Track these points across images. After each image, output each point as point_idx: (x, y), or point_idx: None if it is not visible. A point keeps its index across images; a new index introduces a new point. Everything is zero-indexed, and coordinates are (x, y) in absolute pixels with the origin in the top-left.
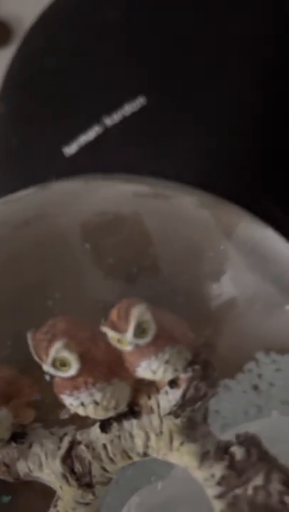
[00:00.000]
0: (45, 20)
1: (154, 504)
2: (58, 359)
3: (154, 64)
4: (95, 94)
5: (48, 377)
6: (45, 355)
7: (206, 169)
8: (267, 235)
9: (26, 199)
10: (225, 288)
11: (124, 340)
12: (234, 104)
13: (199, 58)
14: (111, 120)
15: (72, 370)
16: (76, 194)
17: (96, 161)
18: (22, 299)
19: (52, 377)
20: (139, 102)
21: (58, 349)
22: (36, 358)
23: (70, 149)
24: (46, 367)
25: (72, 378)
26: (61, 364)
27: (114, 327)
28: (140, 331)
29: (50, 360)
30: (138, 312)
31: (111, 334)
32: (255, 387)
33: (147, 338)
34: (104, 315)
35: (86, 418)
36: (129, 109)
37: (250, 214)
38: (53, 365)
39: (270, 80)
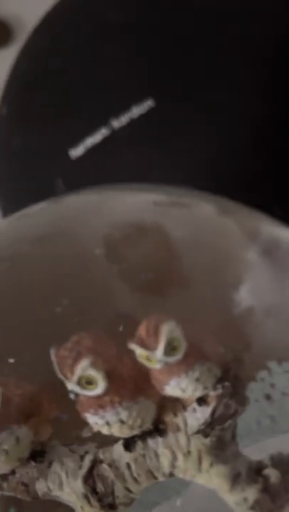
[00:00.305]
0: (49, 21)
1: None
2: (84, 377)
3: (162, 66)
4: (103, 96)
5: (72, 396)
6: (71, 373)
7: (215, 172)
8: None
9: (42, 214)
10: (246, 296)
11: (154, 358)
12: (243, 106)
13: (208, 61)
14: (118, 122)
15: (99, 388)
16: (93, 207)
17: (103, 164)
18: (39, 312)
19: (76, 395)
20: (147, 104)
21: (84, 367)
22: (60, 376)
23: (77, 151)
24: (71, 385)
25: (98, 397)
26: (87, 382)
27: (144, 344)
28: (170, 348)
29: (75, 378)
30: (168, 329)
31: (139, 352)
32: (268, 397)
33: (177, 356)
34: (129, 329)
35: (107, 436)
36: (137, 111)
37: (270, 217)
38: (79, 383)
39: (279, 82)
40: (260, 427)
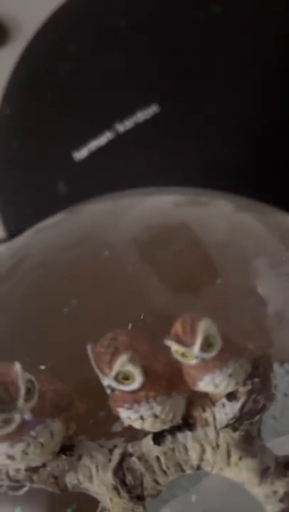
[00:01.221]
0: (55, 23)
1: None
2: (122, 372)
3: (167, 72)
4: (108, 99)
5: (108, 391)
6: (109, 368)
7: (218, 177)
8: None
9: (67, 223)
10: (270, 296)
11: (190, 355)
12: (246, 111)
13: (213, 68)
14: (123, 127)
15: (136, 383)
16: (115, 212)
17: (106, 167)
18: (77, 315)
19: (112, 390)
20: (152, 109)
21: (123, 363)
22: (97, 372)
23: (81, 154)
24: (108, 380)
25: (133, 392)
26: (124, 377)
27: (180, 341)
28: (206, 344)
29: (113, 373)
30: (204, 326)
31: (176, 348)
32: None
33: (213, 353)
34: (161, 327)
35: (134, 430)
36: (141, 116)
37: (284, 212)
38: (116, 378)
39: (282, 90)
40: (264, 426)
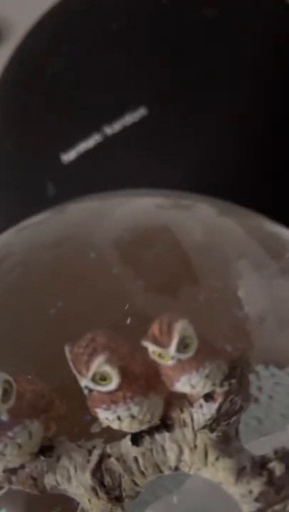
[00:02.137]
0: (45, 25)
1: None
2: (99, 373)
3: (156, 75)
4: (96, 102)
5: (86, 392)
6: (86, 369)
7: (206, 180)
8: None
9: (48, 222)
10: (250, 298)
11: (167, 355)
12: (235, 115)
13: (201, 70)
14: (111, 129)
15: (113, 384)
16: (99, 213)
17: (94, 169)
18: (57, 316)
19: (90, 391)
20: (140, 112)
21: (99, 363)
22: (75, 372)
23: (69, 156)
24: (86, 381)
25: (111, 392)
26: (101, 378)
27: (157, 342)
28: (183, 345)
29: (91, 374)
30: (181, 327)
31: (153, 349)
32: (256, 400)
33: (190, 353)
34: (140, 329)
35: (113, 431)
36: (129, 119)
37: (268, 217)
38: (93, 379)
39: (270, 92)
40: (247, 428)
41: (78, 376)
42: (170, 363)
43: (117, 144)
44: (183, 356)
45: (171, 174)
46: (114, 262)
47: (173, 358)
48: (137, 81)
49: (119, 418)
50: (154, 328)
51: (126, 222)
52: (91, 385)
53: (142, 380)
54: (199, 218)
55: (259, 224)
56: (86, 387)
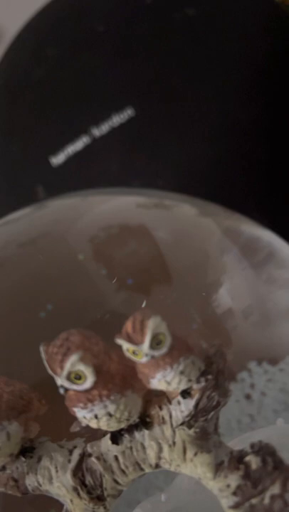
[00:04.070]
0: (32, 30)
1: None
2: (73, 372)
3: (142, 75)
4: (83, 104)
5: (61, 391)
6: (60, 368)
7: (194, 180)
8: (272, 239)
9: (28, 218)
10: (229, 296)
11: (140, 352)
12: (222, 115)
13: (187, 70)
14: (99, 131)
15: (88, 383)
16: (78, 210)
17: (83, 171)
18: (28, 315)
19: (66, 390)
20: (127, 113)
21: (73, 362)
22: (50, 372)
23: (58, 159)
24: (60, 380)
25: (87, 391)
26: (76, 377)
27: (130, 339)
28: (156, 342)
29: (65, 373)
30: (154, 324)
31: (126, 346)
32: (248, 397)
33: (163, 350)
34: (116, 327)
35: (96, 430)
36: (117, 120)
37: (250, 219)
38: (68, 378)
39: (258, 90)
40: (240, 425)
41: (53, 375)
42: (144, 360)
43: (106, 145)
44: (156, 353)
45: (160, 174)
46: (88, 259)
47: (146, 354)
48: (123, 82)
49: (96, 416)
50: (128, 326)
51: (103, 220)
52: (66, 384)
53: (117, 378)
54: (178, 218)
55: (238, 225)
56: (61, 386)
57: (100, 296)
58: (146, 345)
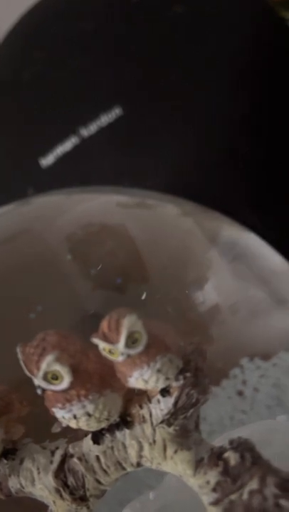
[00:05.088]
0: (19, 31)
1: None
2: (50, 372)
3: (129, 75)
4: (71, 104)
5: (39, 391)
6: (36, 368)
7: (183, 179)
8: (251, 241)
9: (9, 215)
10: (209, 294)
11: (116, 351)
12: (211, 114)
13: (175, 68)
14: (87, 131)
15: (65, 383)
16: (59, 207)
17: (73, 172)
18: (6, 313)
19: (43, 391)
20: (115, 112)
21: (49, 362)
22: (27, 372)
23: (47, 160)
24: (37, 381)
25: (64, 391)
26: (53, 377)
27: (105, 338)
28: (132, 341)
29: (41, 373)
30: (129, 322)
31: (102, 345)
32: (240, 393)
33: (139, 348)
34: (92, 326)
35: (78, 431)
36: (105, 119)
37: (232, 220)
38: (45, 378)
39: (248, 88)
40: (233, 422)
41: (31, 376)
42: (120, 358)
43: (94, 145)
44: (132, 351)
45: (148, 173)
46: (64, 257)
47: (122, 353)
48: (110, 81)
49: (75, 417)
50: (103, 325)
51: (82, 218)
52: (43, 385)
53: (95, 377)
54: (160, 218)
55: (218, 227)
56: (38, 386)
57: (76, 295)
58: (121, 343)
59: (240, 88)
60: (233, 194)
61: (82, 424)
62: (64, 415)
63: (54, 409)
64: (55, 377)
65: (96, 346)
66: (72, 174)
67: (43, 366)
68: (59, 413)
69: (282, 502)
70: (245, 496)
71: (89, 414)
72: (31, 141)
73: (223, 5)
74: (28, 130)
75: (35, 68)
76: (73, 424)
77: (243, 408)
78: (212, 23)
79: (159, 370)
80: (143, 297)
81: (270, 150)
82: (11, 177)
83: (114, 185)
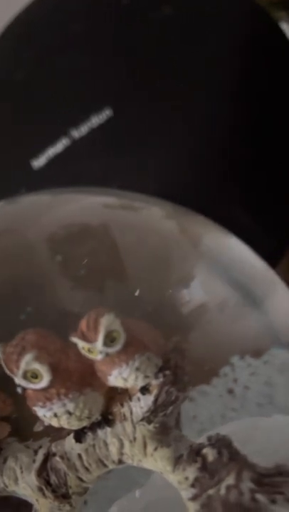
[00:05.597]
0: (9, 33)
1: None
2: (29, 371)
3: (119, 75)
4: (62, 106)
5: (19, 390)
6: (16, 367)
7: (175, 180)
8: (231, 244)
9: None
10: (192, 295)
11: (95, 350)
12: (202, 114)
13: (165, 69)
14: (78, 132)
15: (44, 381)
16: (44, 207)
17: (65, 174)
18: None
19: (24, 389)
20: (106, 113)
21: (28, 361)
22: (7, 372)
23: (39, 162)
24: (17, 379)
25: (45, 390)
26: (32, 376)
27: (84, 337)
28: (110, 339)
29: (21, 372)
30: (107, 321)
31: (81, 344)
32: (231, 391)
33: (117, 347)
34: (74, 326)
35: (61, 429)
36: (96, 121)
37: (215, 223)
38: (25, 377)
39: (239, 90)
40: (224, 420)
41: (11, 375)
42: (99, 357)
43: (85, 146)
44: (110, 350)
45: (139, 175)
46: (44, 256)
47: (101, 352)
48: (100, 82)
49: (56, 415)
50: (82, 324)
51: (65, 218)
52: (23, 383)
53: (75, 376)
54: (143, 220)
55: (201, 230)
56: (19, 385)
57: (55, 294)
58: (99, 342)
59: (232, 89)
60: (224, 195)
61: (64, 422)
62: (45, 414)
63: (35, 408)
64: (35, 376)
65: (76, 345)
66: (64, 176)
67: (22, 365)
68: (40, 411)
69: (258, 496)
70: (222, 491)
71: (70, 413)
72: (23, 143)
73: (212, 5)
74: (19, 131)
75: (25, 69)
76: (55, 423)
77: (233, 406)
78: (203, 24)
79: (137, 369)
80: (136, 293)
81: (264, 150)
82: (3, 179)
83: (104, 186)
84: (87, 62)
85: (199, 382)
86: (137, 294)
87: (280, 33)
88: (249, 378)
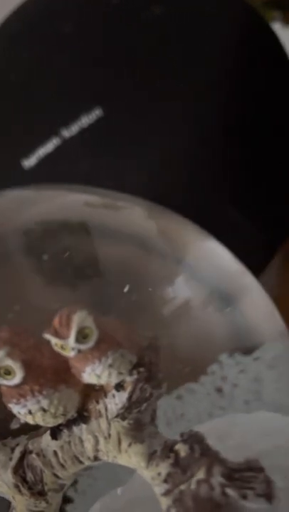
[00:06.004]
0: (2, 33)
1: (113, 509)
2: (2, 368)
3: (109, 75)
4: (52, 106)
5: None
6: None
7: (164, 180)
8: (210, 246)
9: None
10: (176, 292)
11: (67, 347)
12: (191, 114)
13: (155, 69)
14: (69, 132)
15: (17, 378)
16: (25, 203)
17: (55, 173)
18: None
19: None
20: (96, 113)
21: (0, 358)
22: None
23: (30, 162)
24: None
25: (19, 386)
26: (6, 373)
27: (56, 333)
28: (82, 336)
29: None
30: (79, 318)
31: (54, 341)
32: (219, 390)
33: (89, 344)
34: (48, 323)
35: (39, 427)
36: (86, 120)
37: (195, 225)
38: None
39: (228, 89)
40: (211, 418)
41: None
42: (72, 354)
43: (76, 146)
44: (83, 347)
45: (128, 175)
46: (18, 253)
47: (73, 348)
48: (90, 82)
49: (30, 412)
50: (55, 321)
51: (43, 214)
52: None
53: (49, 372)
54: (124, 219)
55: (181, 230)
56: None
57: (29, 291)
58: (72, 339)
59: (223, 88)
60: (217, 195)
61: (38, 419)
62: (19, 410)
63: (10, 405)
64: (8, 373)
65: (49, 342)
66: (54, 175)
67: None
68: (15, 408)
69: (229, 491)
70: (193, 486)
71: (44, 410)
72: (13, 143)
73: (203, 4)
74: (9, 131)
75: (16, 70)
76: (30, 420)
77: (221, 404)
78: (194, 24)
79: (110, 365)
80: (125, 290)
81: (258, 150)
82: None
83: (95, 186)
84: (78, 62)
85: (187, 380)
86: (126, 290)
87: (271, 32)
88: (237, 376)
